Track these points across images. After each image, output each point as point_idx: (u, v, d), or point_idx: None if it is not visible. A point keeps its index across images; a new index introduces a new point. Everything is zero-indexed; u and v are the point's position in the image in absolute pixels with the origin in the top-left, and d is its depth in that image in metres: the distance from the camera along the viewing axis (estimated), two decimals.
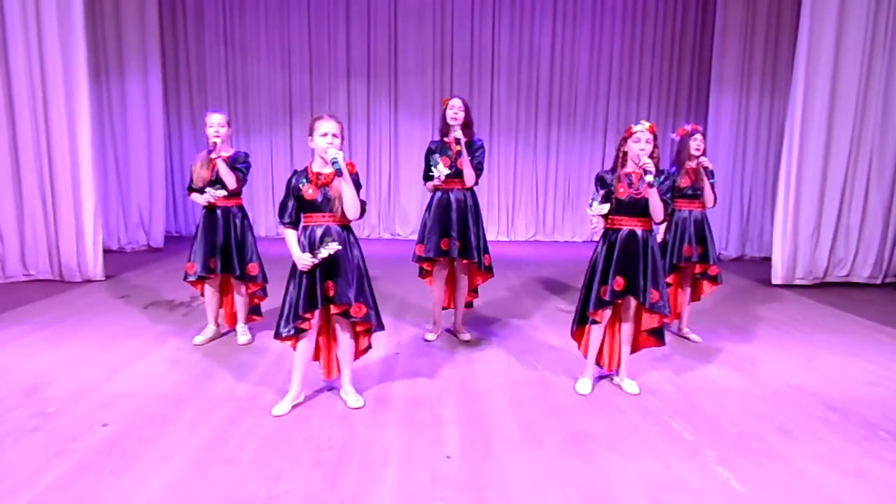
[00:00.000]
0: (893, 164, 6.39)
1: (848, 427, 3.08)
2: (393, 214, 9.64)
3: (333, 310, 3.05)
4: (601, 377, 3.63)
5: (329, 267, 2.98)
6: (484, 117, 9.42)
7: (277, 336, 3.03)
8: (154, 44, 7.89)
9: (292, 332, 3.01)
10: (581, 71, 9.44)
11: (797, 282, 6.40)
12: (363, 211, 3.01)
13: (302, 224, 3.02)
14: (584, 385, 3.47)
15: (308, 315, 2.98)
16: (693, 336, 4.46)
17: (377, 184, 9.60)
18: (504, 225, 9.70)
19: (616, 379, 3.55)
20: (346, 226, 3.06)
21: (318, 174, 3.00)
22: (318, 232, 2.98)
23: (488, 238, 4.23)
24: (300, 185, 2.98)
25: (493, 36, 9.33)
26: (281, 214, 3.04)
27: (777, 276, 6.38)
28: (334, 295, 2.99)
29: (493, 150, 9.53)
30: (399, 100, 9.42)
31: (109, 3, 7.53)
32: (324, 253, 2.91)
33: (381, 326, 3.20)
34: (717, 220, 8.14)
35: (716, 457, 2.72)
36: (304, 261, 2.93)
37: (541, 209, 9.72)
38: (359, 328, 3.15)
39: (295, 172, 3.06)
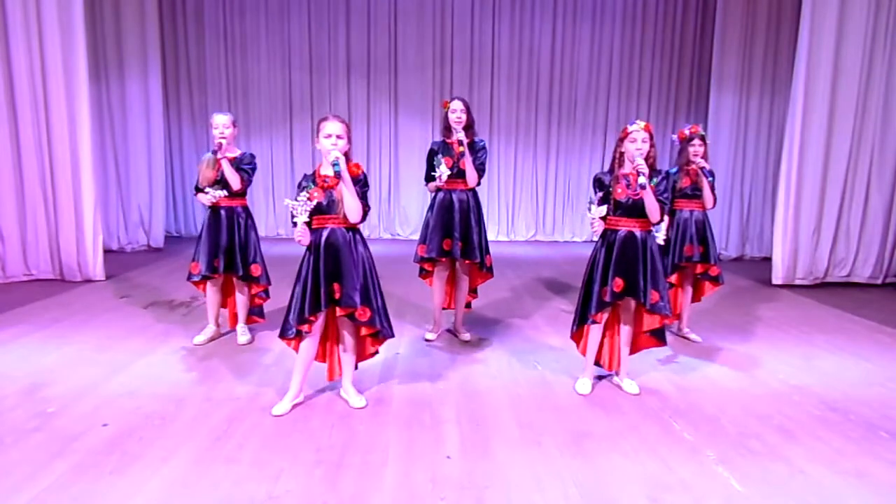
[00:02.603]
0: (894, 165, 6.38)
1: (848, 427, 3.07)
2: (393, 214, 9.64)
3: (339, 312, 3.02)
4: (601, 377, 3.64)
5: (335, 268, 2.97)
6: (484, 117, 9.42)
7: (282, 335, 3.04)
8: (154, 44, 7.89)
9: (294, 333, 3.01)
10: (581, 71, 9.44)
11: (797, 282, 6.40)
12: (365, 215, 3.00)
13: (312, 227, 2.98)
14: (584, 385, 3.47)
15: (312, 318, 2.98)
16: (693, 336, 4.47)
17: (377, 184, 9.59)
18: (504, 225, 9.70)
19: (616, 379, 3.55)
20: (351, 227, 3.04)
21: (325, 177, 2.98)
22: (324, 234, 2.97)
23: (488, 238, 4.24)
24: (307, 189, 2.96)
25: (493, 36, 9.33)
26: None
27: (777, 276, 6.37)
28: (340, 297, 2.97)
29: (493, 150, 9.53)
30: (399, 99, 9.42)
31: (109, 3, 7.53)
32: (300, 209, 2.85)
33: (390, 333, 3.16)
34: (717, 220, 8.14)
35: (716, 457, 2.72)
36: (297, 233, 2.90)
37: (541, 209, 9.72)
38: (364, 331, 3.11)
39: (304, 176, 3.07)
